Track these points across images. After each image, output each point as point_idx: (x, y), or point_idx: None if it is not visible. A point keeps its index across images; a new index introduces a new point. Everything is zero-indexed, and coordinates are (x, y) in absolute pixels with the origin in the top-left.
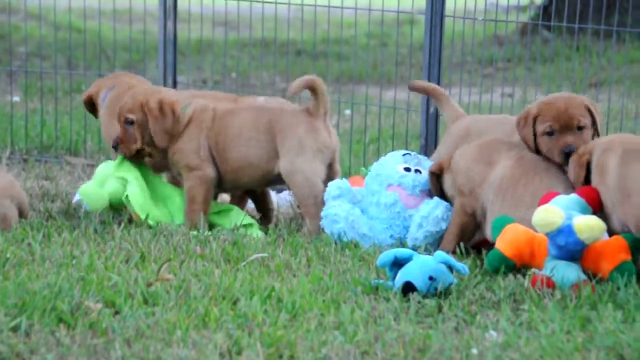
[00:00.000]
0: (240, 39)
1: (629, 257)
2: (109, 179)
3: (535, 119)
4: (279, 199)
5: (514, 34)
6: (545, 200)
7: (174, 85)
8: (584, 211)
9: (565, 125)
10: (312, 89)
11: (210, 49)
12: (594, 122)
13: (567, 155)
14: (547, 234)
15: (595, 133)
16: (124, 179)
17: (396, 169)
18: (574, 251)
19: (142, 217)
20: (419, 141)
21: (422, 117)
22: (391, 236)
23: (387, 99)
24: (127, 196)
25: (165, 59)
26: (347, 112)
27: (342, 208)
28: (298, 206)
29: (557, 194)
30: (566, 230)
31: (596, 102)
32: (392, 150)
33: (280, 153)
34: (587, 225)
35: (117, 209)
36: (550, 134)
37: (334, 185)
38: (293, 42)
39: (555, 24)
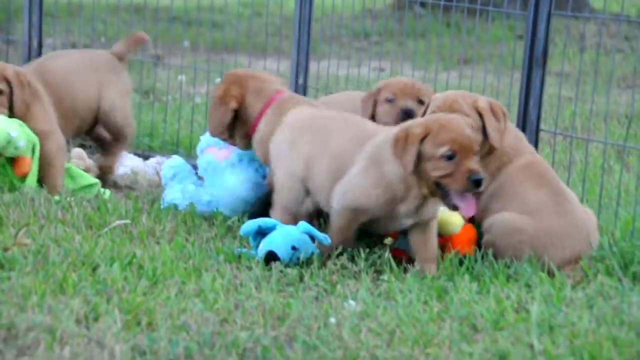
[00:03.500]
0: (110, 3)
1: (471, 250)
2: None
3: (379, 91)
4: (144, 166)
5: (387, 9)
6: None
7: (40, 47)
8: None
9: (406, 92)
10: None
11: (80, 12)
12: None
13: (404, 115)
14: None
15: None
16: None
17: (207, 134)
18: None
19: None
20: None
21: (291, 87)
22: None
23: (257, 68)
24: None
25: (30, 20)
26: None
27: (175, 190)
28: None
29: None
30: None
31: (461, 77)
32: None
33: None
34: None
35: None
36: (391, 101)
37: (167, 166)
38: (166, 9)
39: (427, 0)
